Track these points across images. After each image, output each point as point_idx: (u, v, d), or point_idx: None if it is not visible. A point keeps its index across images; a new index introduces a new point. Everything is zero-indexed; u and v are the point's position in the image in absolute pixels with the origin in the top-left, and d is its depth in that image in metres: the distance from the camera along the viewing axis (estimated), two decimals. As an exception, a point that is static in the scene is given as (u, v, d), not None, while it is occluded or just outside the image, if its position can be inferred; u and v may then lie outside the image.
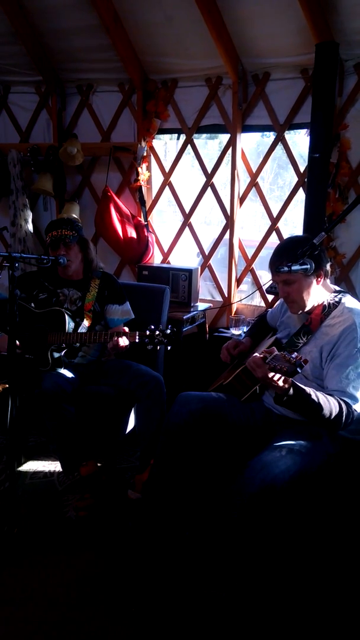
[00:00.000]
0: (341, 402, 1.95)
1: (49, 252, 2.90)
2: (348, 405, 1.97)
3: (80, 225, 2.97)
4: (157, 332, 2.57)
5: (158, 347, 2.60)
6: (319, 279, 2.17)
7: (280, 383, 1.84)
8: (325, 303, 2.20)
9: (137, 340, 2.61)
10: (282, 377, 1.84)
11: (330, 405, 1.92)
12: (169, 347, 2.60)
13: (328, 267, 2.22)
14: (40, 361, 2.75)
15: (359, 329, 2.06)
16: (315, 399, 1.91)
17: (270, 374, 1.84)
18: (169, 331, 2.57)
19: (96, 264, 3.02)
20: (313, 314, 2.22)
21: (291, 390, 1.88)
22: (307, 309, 2.21)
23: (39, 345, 2.76)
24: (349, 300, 2.21)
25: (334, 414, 1.92)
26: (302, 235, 2.16)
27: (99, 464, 2.78)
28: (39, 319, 2.82)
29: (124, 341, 2.63)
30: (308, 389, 1.93)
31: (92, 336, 2.72)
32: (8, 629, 1.95)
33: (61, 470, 2.84)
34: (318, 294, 2.19)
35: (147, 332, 2.58)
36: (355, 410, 2.00)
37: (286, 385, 1.86)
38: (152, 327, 2.59)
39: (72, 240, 2.87)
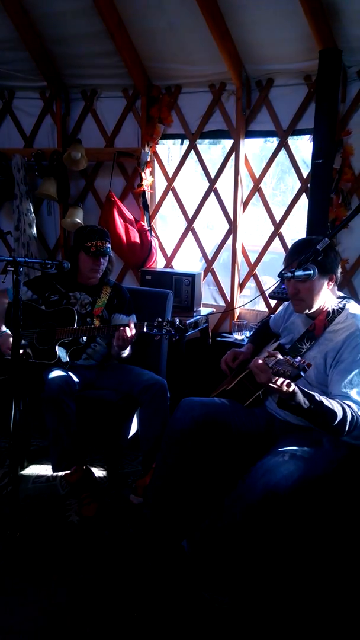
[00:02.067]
0: (345, 407, 1.94)
1: (80, 256, 2.92)
2: (352, 410, 1.96)
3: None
4: (165, 323, 2.59)
5: (165, 337, 2.61)
6: (330, 283, 2.18)
7: (284, 387, 1.84)
8: (330, 309, 2.20)
9: (144, 330, 2.62)
10: (286, 381, 1.84)
11: (334, 410, 1.91)
12: (175, 338, 2.60)
13: (339, 273, 2.22)
14: (47, 355, 2.77)
15: None
16: (319, 404, 1.90)
17: (274, 379, 1.84)
18: (177, 320, 2.58)
19: (111, 272, 3.11)
20: (317, 320, 2.22)
21: (296, 393, 1.88)
22: (312, 310, 2.21)
23: (47, 340, 2.78)
24: (352, 306, 2.21)
25: (338, 419, 1.91)
26: (316, 238, 2.16)
27: (84, 467, 2.77)
28: (48, 317, 2.85)
29: (130, 331, 2.63)
30: (312, 393, 1.92)
31: (100, 329, 2.75)
32: (9, 633, 1.95)
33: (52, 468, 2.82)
34: (325, 297, 2.20)
35: (155, 323, 2.60)
36: None
37: (290, 389, 1.86)
38: (160, 319, 2.61)
39: (110, 252, 2.98)
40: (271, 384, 1.85)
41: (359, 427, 2.00)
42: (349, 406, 1.96)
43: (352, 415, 1.94)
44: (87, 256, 2.91)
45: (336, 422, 1.91)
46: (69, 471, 2.72)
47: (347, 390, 2.01)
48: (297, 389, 1.88)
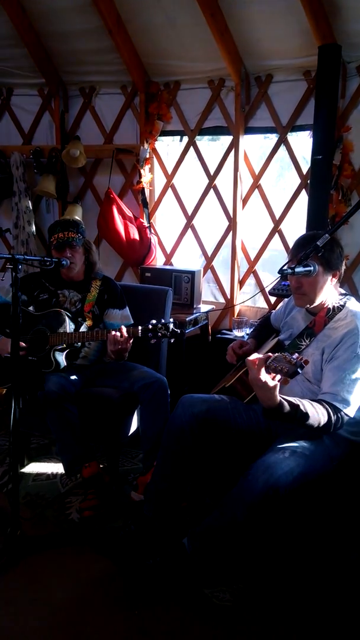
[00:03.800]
0: (329, 410, 1.97)
1: (52, 253, 2.89)
2: (337, 411, 1.98)
3: (84, 227, 2.97)
4: (160, 326, 2.56)
5: (162, 341, 2.57)
6: (334, 278, 2.18)
7: (271, 383, 1.83)
8: (330, 306, 2.20)
9: (140, 335, 2.58)
10: (280, 378, 1.84)
11: (318, 415, 1.94)
12: (172, 340, 2.58)
13: (342, 268, 2.21)
14: (43, 363, 2.76)
15: None
16: (304, 415, 1.91)
17: (262, 379, 1.83)
18: (171, 324, 2.55)
19: (98, 266, 3.03)
20: (317, 316, 2.22)
21: (281, 405, 1.88)
22: (314, 305, 2.20)
23: (42, 347, 2.77)
24: (353, 304, 2.21)
25: (322, 423, 1.95)
26: (320, 232, 2.14)
27: (101, 465, 2.78)
28: (39, 321, 2.83)
29: (122, 334, 2.61)
30: (296, 401, 1.92)
31: (94, 334, 2.72)
32: (11, 631, 1.95)
33: (64, 472, 2.83)
34: (328, 293, 2.19)
35: (150, 326, 2.56)
36: (347, 415, 2.01)
37: (275, 402, 1.86)
38: (154, 321, 2.57)
39: (79, 243, 2.87)
40: (257, 382, 1.84)
41: (358, 423, 2.01)
42: (334, 408, 1.99)
43: (336, 417, 1.98)
44: (54, 251, 2.87)
45: (320, 426, 1.95)
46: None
47: (337, 388, 2.02)
48: (283, 400, 1.89)
